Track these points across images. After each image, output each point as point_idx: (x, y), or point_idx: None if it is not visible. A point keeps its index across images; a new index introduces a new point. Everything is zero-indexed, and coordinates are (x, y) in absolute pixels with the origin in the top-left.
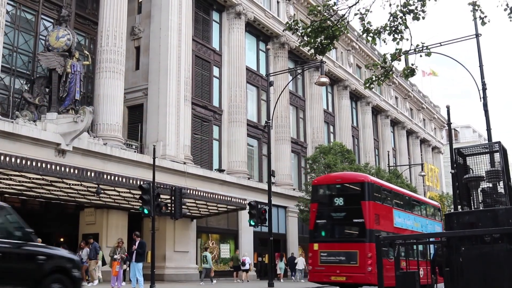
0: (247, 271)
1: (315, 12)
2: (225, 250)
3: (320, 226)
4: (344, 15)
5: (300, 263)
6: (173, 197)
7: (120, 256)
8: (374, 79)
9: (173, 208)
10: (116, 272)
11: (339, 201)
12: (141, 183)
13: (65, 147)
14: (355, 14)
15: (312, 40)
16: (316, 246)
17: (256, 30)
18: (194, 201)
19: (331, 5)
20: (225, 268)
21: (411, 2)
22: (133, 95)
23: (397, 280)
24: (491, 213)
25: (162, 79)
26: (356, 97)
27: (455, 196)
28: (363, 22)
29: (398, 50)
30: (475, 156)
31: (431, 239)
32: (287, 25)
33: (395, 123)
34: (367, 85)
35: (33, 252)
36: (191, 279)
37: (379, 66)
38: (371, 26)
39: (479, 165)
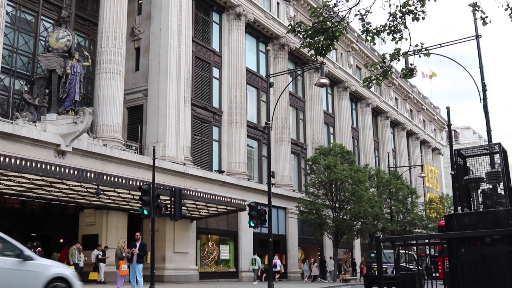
0: (278, 272)
1: (317, 14)
2: (225, 251)
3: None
4: (345, 16)
5: (330, 265)
6: (172, 198)
7: (126, 255)
8: (373, 78)
9: (172, 209)
10: (124, 272)
11: None
12: (141, 184)
13: (64, 148)
14: (355, 15)
15: (313, 42)
16: None
17: (256, 31)
18: (194, 202)
19: (331, 6)
20: (225, 270)
21: (410, 3)
22: (133, 96)
23: (397, 281)
24: (491, 214)
25: (162, 80)
26: (356, 98)
27: (455, 197)
28: (363, 22)
29: (397, 50)
30: (475, 158)
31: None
32: (290, 27)
33: (395, 124)
34: (366, 84)
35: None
36: (191, 280)
37: (378, 66)
38: (370, 26)
39: (479, 167)
